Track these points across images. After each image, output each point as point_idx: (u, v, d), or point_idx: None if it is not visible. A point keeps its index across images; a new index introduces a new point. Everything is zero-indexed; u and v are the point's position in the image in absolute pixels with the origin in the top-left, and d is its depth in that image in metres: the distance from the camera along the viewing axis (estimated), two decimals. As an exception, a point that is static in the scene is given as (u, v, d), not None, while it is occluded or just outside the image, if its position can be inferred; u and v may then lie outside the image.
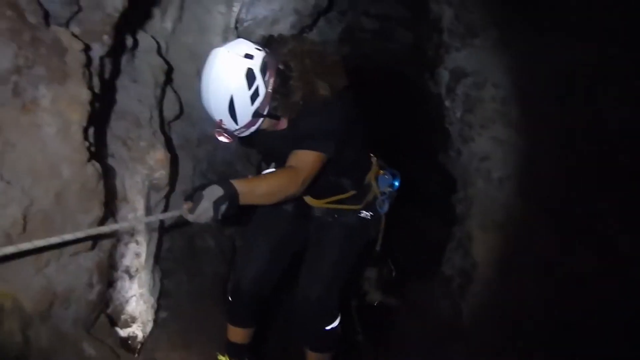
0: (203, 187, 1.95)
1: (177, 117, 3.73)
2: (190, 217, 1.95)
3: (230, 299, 2.87)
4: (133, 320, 2.97)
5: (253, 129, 2.25)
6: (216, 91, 2.09)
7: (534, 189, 2.59)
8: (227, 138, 2.25)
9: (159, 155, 3.12)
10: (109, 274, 2.55)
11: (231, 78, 2.06)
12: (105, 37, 2.45)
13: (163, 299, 3.62)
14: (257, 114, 2.16)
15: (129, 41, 2.99)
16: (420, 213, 6.68)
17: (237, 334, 2.92)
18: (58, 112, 2.08)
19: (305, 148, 2.24)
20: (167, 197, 3.51)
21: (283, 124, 2.38)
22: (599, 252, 2.26)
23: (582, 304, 2.24)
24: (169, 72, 3.48)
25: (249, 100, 2.10)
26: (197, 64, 4.01)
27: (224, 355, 2.95)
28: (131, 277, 2.91)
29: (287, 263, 2.88)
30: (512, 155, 3.24)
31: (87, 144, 2.22)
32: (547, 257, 2.41)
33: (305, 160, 2.23)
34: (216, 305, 3.98)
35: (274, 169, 2.62)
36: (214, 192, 1.90)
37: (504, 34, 3.35)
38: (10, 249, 1.54)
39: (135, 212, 2.91)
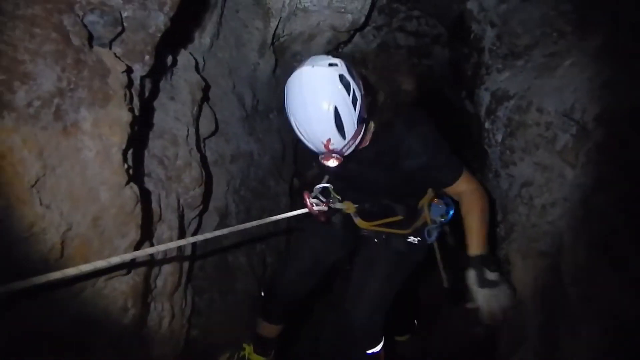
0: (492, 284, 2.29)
1: (212, 134, 3.71)
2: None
3: (262, 294, 2.99)
4: (165, 341, 2.93)
5: (358, 139, 2.11)
6: (318, 109, 1.94)
7: (586, 221, 2.46)
8: (338, 159, 2.08)
9: (195, 174, 3.08)
10: (144, 297, 2.51)
11: (330, 89, 1.94)
12: (147, 57, 2.42)
13: (194, 317, 3.59)
14: (361, 120, 2.04)
15: (168, 59, 2.98)
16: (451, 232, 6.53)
17: (265, 329, 3.04)
18: (98, 135, 2.06)
19: (451, 182, 2.36)
20: (200, 215, 3.48)
21: (366, 140, 2.30)
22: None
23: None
24: (206, 88, 3.46)
25: (351, 107, 1.97)
26: (233, 79, 4.00)
27: (249, 345, 3.11)
28: (165, 297, 2.87)
29: (326, 273, 2.97)
30: (557, 182, 3.12)
31: (125, 166, 2.19)
32: (603, 298, 2.29)
33: (464, 183, 2.36)
34: (247, 322, 3.94)
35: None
36: (503, 290, 2.33)
37: (552, 57, 3.24)
38: (56, 275, 1.50)
39: (171, 231, 2.88)
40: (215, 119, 3.69)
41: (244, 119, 4.23)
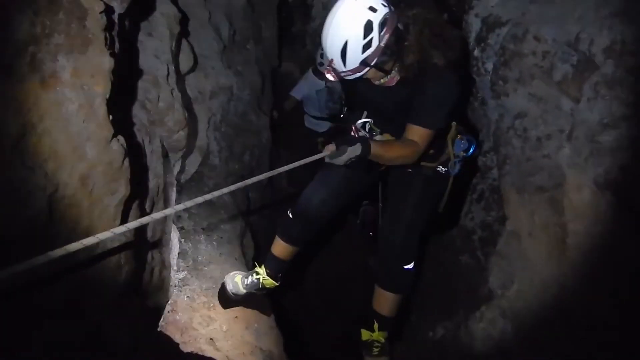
0: (351, 142, 2.22)
1: (192, 70, 3.49)
2: (327, 159, 2.25)
3: (290, 216, 2.98)
4: (158, 289, 2.85)
5: (358, 75, 2.38)
6: (335, 33, 2.26)
7: (592, 158, 2.39)
8: (334, 77, 2.43)
9: (178, 115, 2.91)
10: (136, 251, 2.39)
11: (351, 25, 2.23)
12: (124, -7, 2.19)
13: (181, 260, 3.51)
14: (364, 63, 2.31)
15: (144, -9, 2.72)
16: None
17: (282, 249, 3.06)
18: (80, 85, 1.86)
19: (421, 124, 2.45)
20: (185, 157, 3.32)
21: (392, 80, 2.54)
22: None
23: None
24: (183, 21, 3.21)
25: (360, 49, 2.26)
26: (208, 8, 3.74)
27: (261, 267, 3.14)
28: (155, 246, 2.76)
29: (353, 202, 3.12)
30: (553, 114, 3.04)
31: (111, 117, 2.01)
32: (605, 237, 2.26)
33: (423, 136, 2.46)
34: (235, 261, 3.89)
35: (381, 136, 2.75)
36: (355, 150, 2.21)
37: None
38: (59, 252, 1.35)
39: (157, 178, 2.73)
40: (194, 53, 3.46)
41: (221, 52, 3.99)
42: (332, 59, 2.33)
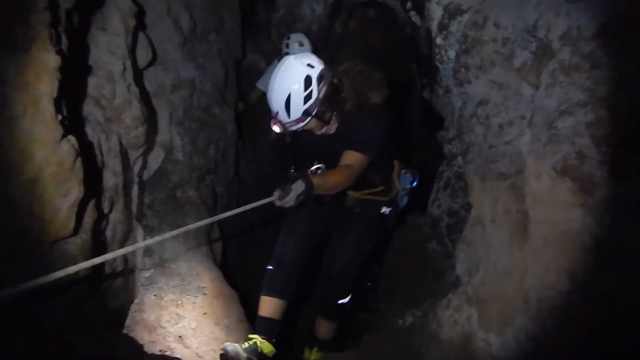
0: (292, 180, 2.41)
1: (150, 64, 3.41)
2: (277, 203, 2.41)
3: (271, 267, 3.09)
4: (121, 289, 2.80)
5: (301, 125, 2.68)
6: (279, 88, 2.58)
7: (551, 145, 2.40)
8: (280, 128, 2.69)
9: (136, 112, 2.84)
10: (93, 253, 2.33)
11: (293, 79, 2.57)
12: (71, -14, 2.11)
13: (147, 258, 3.45)
14: (306, 113, 2.61)
15: (95, -16, 2.64)
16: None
17: (271, 306, 3.05)
18: (25, 85, 1.79)
19: (357, 150, 2.73)
20: (146, 154, 3.26)
21: (332, 128, 2.88)
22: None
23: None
24: (139, 14, 3.12)
25: (302, 100, 2.57)
26: (168, 2, 3.66)
27: (254, 334, 3.02)
28: (116, 246, 2.71)
29: (321, 243, 3.29)
30: (514, 101, 3.05)
31: (60, 117, 1.94)
32: (565, 222, 2.27)
33: (357, 160, 2.73)
34: (202, 257, 3.85)
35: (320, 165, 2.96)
36: (299, 187, 2.39)
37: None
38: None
39: (115, 177, 2.67)
40: (152, 46, 3.39)
41: (182, 44, 3.91)
42: (277, 112, 2.62)
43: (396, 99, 3.10)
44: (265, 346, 2.96)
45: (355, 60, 3.04)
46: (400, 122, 4.83)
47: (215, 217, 2.71)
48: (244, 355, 2.86)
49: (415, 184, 3.36)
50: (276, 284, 3.09)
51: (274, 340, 3.04)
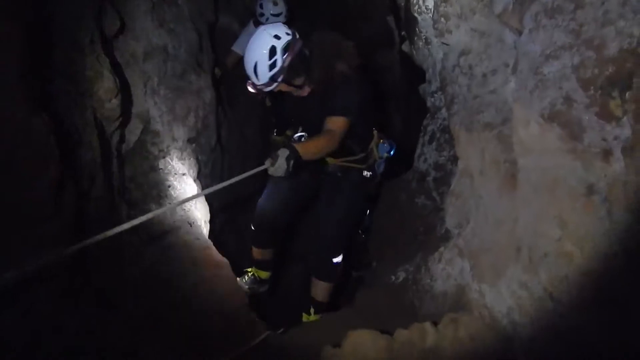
0: (277, 149, 2.65)
1: (119, 32, 3.28)
2: (270, 170, 2.64)
3: (253, 228, 3.57)
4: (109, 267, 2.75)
5: (270, 88, 2.94)
6: (248, 56, 2.88)
7: (538, 91, 2.36)
8: (253, 89, 2.97)
9: (108, 83, 2.74)
10: (75, 234, 2.26)
11: (259, 49, 2.85)
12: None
13: (130, 235, 3.39)
14: (272, 79, 2.88)
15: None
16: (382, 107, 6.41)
17: (259, 253, 3.67)
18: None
19: (336, 114, 2.96)
20: (123, 126, 3.16)
21: (304, 92, 3.11)
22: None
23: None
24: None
25: (267, 68, 2.84)
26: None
27: (251, 268, 3.72)
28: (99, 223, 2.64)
29: (302, 205, 3.72)
30: (497, 48, 2.99)
31: (28, 95, 1.84)
32: (554, 169, 2.25)
33: (338, 123, 2.96)
34: (189, 226, 3.81)
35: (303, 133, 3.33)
36: (284, 152, 2.62)
37: None
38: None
39: (92, 151, 2.58)
40: (119, 14, 3.25)
41: (150, 10, 3.77)
42: (249, 75, 2.91)
43: (370, 68, 3.38)
44: (261, 273, 3.71)
45: (327, 31, 3.27)
46: (379, 90, 4.94)
47: (211, 188, 2.72)
48: (246, 286, 3.61)
49: (392, 152, 3.59)
50: (261, 240, 3.64)
51: (271, 268, 3.75)
